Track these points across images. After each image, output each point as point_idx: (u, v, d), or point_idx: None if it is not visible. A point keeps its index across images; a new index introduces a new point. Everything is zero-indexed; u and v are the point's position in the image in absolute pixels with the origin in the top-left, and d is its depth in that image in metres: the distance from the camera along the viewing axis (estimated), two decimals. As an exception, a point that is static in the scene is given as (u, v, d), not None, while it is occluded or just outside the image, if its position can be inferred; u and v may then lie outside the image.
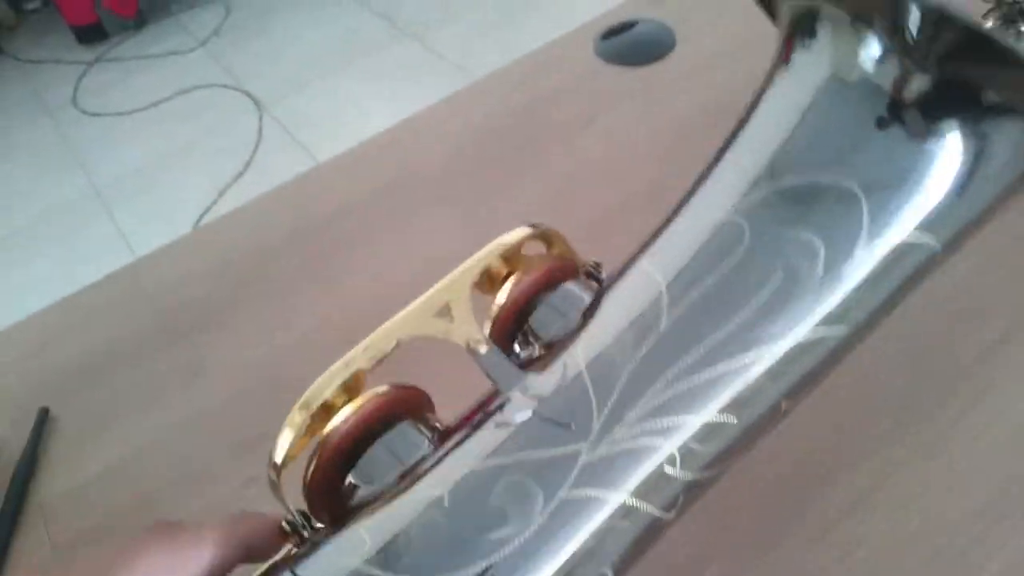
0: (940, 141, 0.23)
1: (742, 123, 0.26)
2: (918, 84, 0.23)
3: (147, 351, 0.50)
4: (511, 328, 0.26)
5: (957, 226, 0.24)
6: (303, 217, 0.57)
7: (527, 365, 0.24)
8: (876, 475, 0.36)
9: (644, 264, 0.25)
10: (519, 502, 0.20)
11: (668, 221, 0.26)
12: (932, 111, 0.23)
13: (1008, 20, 0.53)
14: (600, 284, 0.27)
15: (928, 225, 0.23)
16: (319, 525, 0.23)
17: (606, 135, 0.59)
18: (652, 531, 0.22)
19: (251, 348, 0.49)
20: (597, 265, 0.27)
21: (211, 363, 0.48)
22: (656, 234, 0.26)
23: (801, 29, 0.26)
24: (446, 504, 0.20)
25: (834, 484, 0.36)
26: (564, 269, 0.27)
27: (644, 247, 0.26)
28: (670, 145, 0.55)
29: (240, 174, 1.73)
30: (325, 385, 0.23)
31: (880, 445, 0.37)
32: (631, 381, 0.22)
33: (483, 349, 0.23)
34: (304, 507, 0.23)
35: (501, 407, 0.22)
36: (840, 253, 0.23)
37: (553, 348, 0.24)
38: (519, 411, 0.22)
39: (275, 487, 0.23)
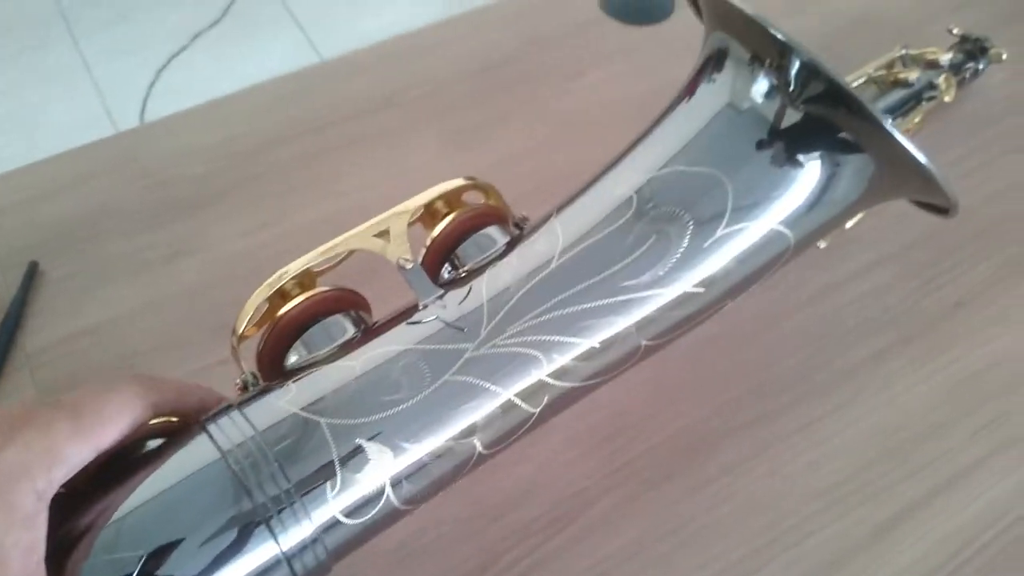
0: (804, 163, 0.30)
1: (650, 129, 0.34)
2: (792, 118, 0.30)
3: (137, 222, 0.53)
4: (441, 256, 0.32)
5: (809, 228, 0.32)
6: (302, 113, 0.59)
7: (447, 285, 0.31)
8: (759, 444, 0.44)
9: (553, 221, 0.32)
10: (412, 377, 0.27)
11: (581, 191, 0.33)
12: (800, 139, 0.30)
13: (970, 55, 0.58)
14: (521, 232, 0.33)
15: (787, 223, 0.31)
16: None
17: (594, 89, 0.62)
18: (518, 422, 0.29)
19: (238, 237, 0.52)
20: (524, 219, 0.34)
21: (198, 245, 0.52)
22: (570, 199, 0.33)
23: (711, 64, 0.32)
24: (357, 372, 0.27)
25: (722, 446, 0.43)
26: (492, 215, 0.33)
27: (558, 208, 0.33)
28: (655, 109, 0.59)
29: (217, 21, 1.68)
30: (277, 281, 0.30)
31: (769, 418, 0.44)
32: (516, 304, 0.28)
33: (408, 266, 0.30)
34: (256, 371, 0.30)
35: (415, 312, 0.29)
36: (706, 231, 0.30)
37: (470, 275, 0.31)
38: (427, 316, 0.29)
39: (234, 350, 0.30)
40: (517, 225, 0.34)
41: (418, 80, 0.62)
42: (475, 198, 0.34)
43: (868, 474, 0.43)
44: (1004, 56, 0.57)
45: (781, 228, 0.30)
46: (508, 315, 0.28)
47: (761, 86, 0.30)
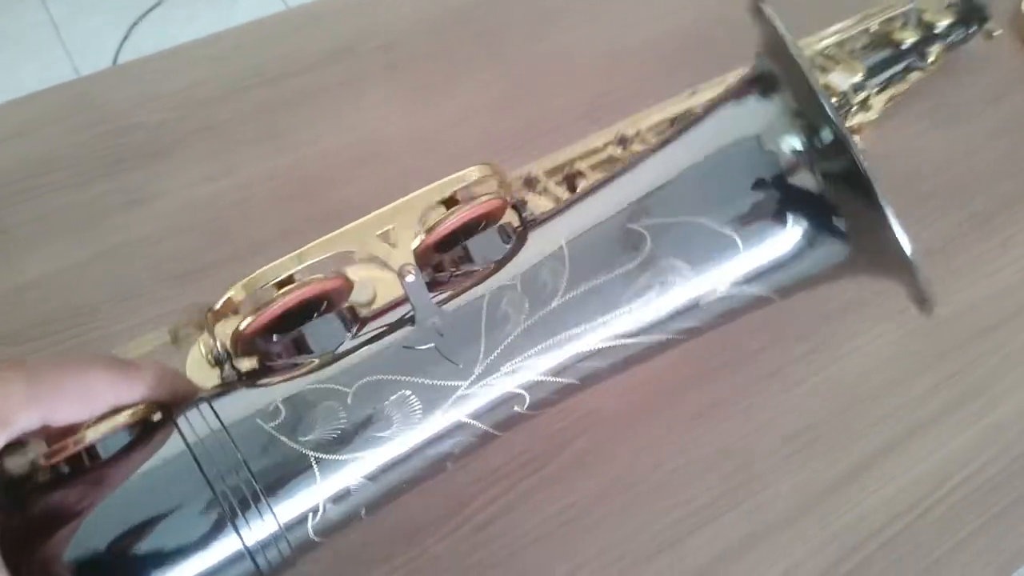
0: (788, 224, 0.29)
1: (682, 129, 0.32)
2: (802, 179, 0.28)
3: (89, 169, 0.51)
4: (435, 250, 0.30)
5: (781, 283, 0.31)
6: (262, 63, 0.57)
7: (436, 285, 0.29)
8: (731, 388, 0.43)
9: (562, 246, 0.29)
10: (403, 413, 0.26)
11: (585, 194, 0.31)
12: (797, 201, 0.29)
13: (964, 19, 0.56)
14: (523, 222, 0.31)
15: (751, 277, 0.30)
16: (241, 367, 0.28)
17: (558, 43, 0.59)
18: (486, 442, 0.29)
19: (194, 186, 0.50)
20: (523, 203, 0.32)
21: (153, 194, 0.50)
22: (572, 203, 0.31)
23: (764, 83, 0.30)
24: (349, 401, 0.26)
25: (693, 391, 0.43)
26: (493, 213, 0.30)
27: (562, 211, 0.31)
28: (618, 64, 0.58)
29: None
30: (273, 273, 0.27)
31: (741, 363, 0.44)
32: (514, 341, 0.28)
33: (411, 278, 0.27)
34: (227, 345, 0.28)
35: (411, 326, 0.27)
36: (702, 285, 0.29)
37: (464, 285, 0.29)
38: (424, 342, 0.27)
39: (208, 326, 0.28)
40: (516, 210, 0.31)
41: (379, 31, 0.60)
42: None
43: (838, 420, 0.42)
44: (996, 34, 0.55)
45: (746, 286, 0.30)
46: (504, 352, 0.27)
47: (792, 136, 0.28)
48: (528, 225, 0.31)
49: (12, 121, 0.53)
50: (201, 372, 0.29)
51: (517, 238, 0.30)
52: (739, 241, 0.29)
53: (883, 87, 0.50)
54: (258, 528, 0.25)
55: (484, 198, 0.30)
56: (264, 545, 0.25)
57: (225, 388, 0.27)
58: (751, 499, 0.40)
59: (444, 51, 0.58)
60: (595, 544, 0.38)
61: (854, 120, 0.49)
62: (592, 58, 0.58)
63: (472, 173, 0.30)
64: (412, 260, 0.27)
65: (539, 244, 0.30)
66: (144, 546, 0.23)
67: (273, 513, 0.25)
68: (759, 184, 0.29)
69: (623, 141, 0.42)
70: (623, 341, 0.29)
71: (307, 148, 0.53)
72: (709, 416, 0.42)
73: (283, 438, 0.25)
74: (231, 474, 0.24)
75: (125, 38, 1.54)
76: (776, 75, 0.29)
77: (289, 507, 0.25)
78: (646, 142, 0.42)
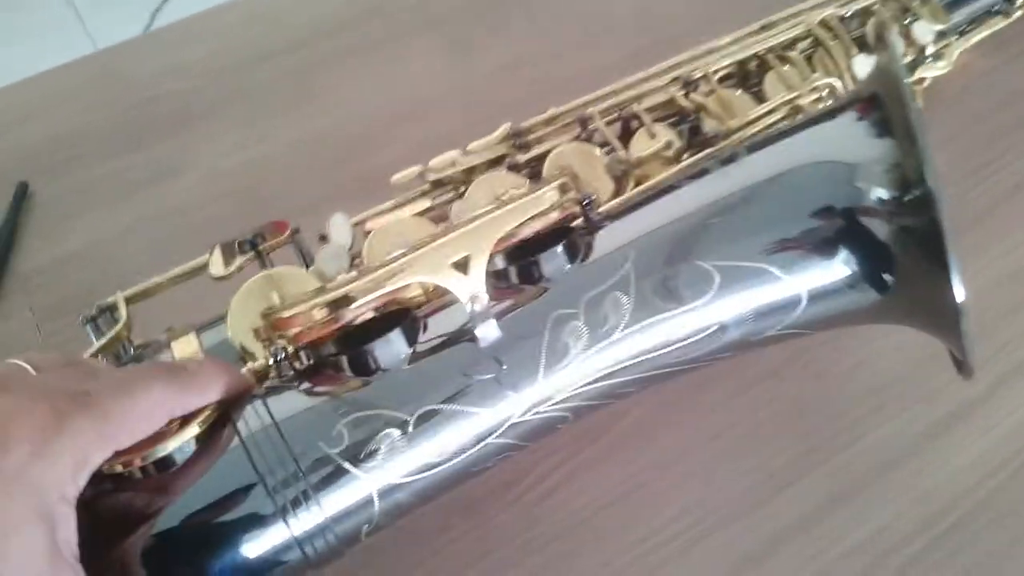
0: (836, 259, 0.29)
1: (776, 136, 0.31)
2: (875, 223, 0.28)
3: (122, 142, 0.50)
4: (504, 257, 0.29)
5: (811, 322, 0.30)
6: (287, 27, 0.55)
7: (497, 292, 0.28)
8: (801, 346, 0.40)
9: (626, 261, 0.28)
10: (460, 440, 0.26)
11: (654, 196, 0.31)
12: (856, 242, 0.28)
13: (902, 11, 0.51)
14: (588, 221, 0.30)
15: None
16: (297, 365, 0.28)
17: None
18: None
19: (226, 155, 0.49)
20: (590, 202, 0.30)
21: (184, 165, 0.49)
22: (639, 204, 0.30)
23: (868, 113, 0.29)
24: (410, 429, 0.26)
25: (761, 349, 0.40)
26: (561, 224, 0.29)
27: (630, 213, 0.30)
28: (660, 13, 0.55)
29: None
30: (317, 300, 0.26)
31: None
32: (569, 370, 0.27)
33: (480, 308, 0.26)
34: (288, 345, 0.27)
35: (474, 355, 0.27)
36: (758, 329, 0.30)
37: (526, 298, 0.28)
38: (485, 372, 0.26)
39: (266, 336, 0.27)
40: (583, 208, 0.30)
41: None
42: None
43: (917, 374, 0.39)
44: None
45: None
46: (560, 385, 0.27)
47: (883, 179, 0.28)
48: (595, 227, 0.30)
49: (38, 98, 0.52)
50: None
51: (583, 254, 0.29)
52: (788, 282, 0.29)
53: (963, 32, 0.47)
54: (311, 532, 0.25)
55: (554, 214, 0.28)
56: (316, 548, 0.26)
57: (280, 388, 0.27)
58: (829, 460, 0.37)
59: (482, 2, 0.56)
60: (665, 511, 0.36)
61: (926, 72, 0.45)
62: (633, 5, 0.56)
63: (550, 195, 0.28)
64: (484, 290, 0.26)
65: (605, 269, 0.28)
66: (213, 545, 0.24)
67: (331, 526, 0.26)
68: (826, 214, 0.28)
69: (688, 84, 0.39)
70: (669, 369, 0.29)
71: (343, 110, 0.51)
72: (780, 375, 0.39)
73: (346, 464, 0.25)
74: (292, 490, 0.25)
75: (148, 26, 1.53)
76: (884, 111, 0.28)
77: (345, 523, 0.26)
78: (713, 91, 0.39)
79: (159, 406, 0.23)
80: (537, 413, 0.27)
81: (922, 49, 0.44)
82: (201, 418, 0.24)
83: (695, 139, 0.38)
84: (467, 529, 0.35)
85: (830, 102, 0.38)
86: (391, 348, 0.26)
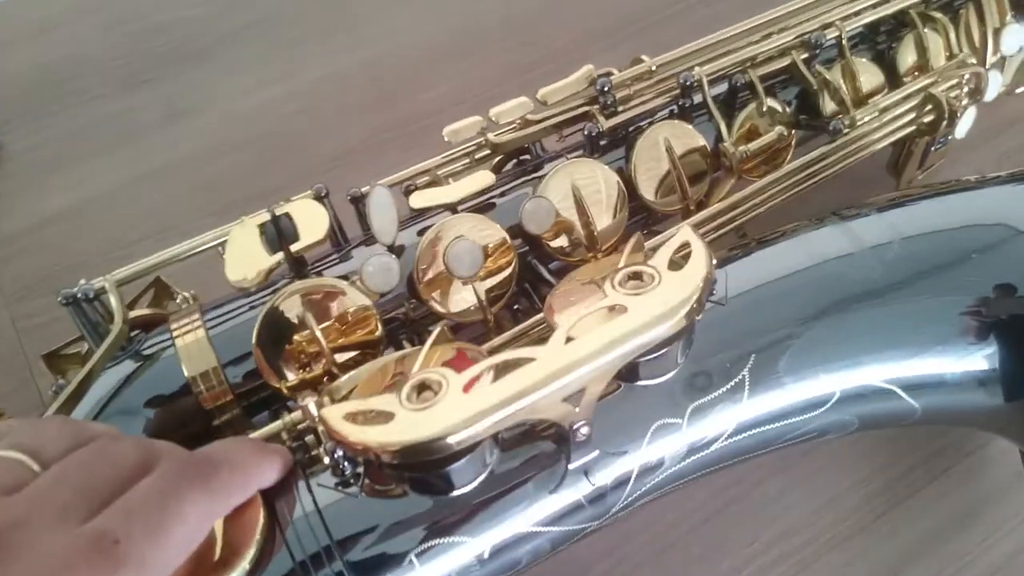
0: (981, 343, 0.26)
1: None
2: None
3: (119, 79, 0.44)
4: None
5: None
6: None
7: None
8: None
9: (744, 379, 0.25)
10: (534, 556, 0.25)
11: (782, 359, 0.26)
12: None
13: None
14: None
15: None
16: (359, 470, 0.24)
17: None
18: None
19: (245, 95, 0.43)
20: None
21: (196, 105, 0.43)
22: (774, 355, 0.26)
23: None
24: (486, 556, 0.24)
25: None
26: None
27: (754, 360, 0.26)
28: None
29: None
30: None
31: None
32: (659, 479, 0.25)
33: (582, 438, 0.23)
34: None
35: (561, 477, 0.24)
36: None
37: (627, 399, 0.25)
38: (571, 487, 0.24)
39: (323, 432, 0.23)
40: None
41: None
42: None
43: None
44: None
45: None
46: (642, 493, 0.25)
47: None
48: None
49: (29, 19, 0.46)
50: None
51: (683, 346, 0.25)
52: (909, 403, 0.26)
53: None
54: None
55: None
56: None
57: (341, 487, 0.24)
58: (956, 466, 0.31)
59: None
60: (774, 525, 0.30)
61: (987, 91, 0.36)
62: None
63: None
64: (590, 418, 0.23)
65: (711, 362, 0.25)
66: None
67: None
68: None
69: (815, 47, 0.30)
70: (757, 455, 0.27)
71: (381, 44, 0.45)
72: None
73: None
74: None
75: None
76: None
77: None
78: (842, 59, 0.30)
79: (197, 531, 0.21)
80: (614, 518, 0.26)
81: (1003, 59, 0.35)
82: (248, 557, 0.22)
83: (809, 120, 0.31)
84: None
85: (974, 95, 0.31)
86: (466, 471, 0.24)
